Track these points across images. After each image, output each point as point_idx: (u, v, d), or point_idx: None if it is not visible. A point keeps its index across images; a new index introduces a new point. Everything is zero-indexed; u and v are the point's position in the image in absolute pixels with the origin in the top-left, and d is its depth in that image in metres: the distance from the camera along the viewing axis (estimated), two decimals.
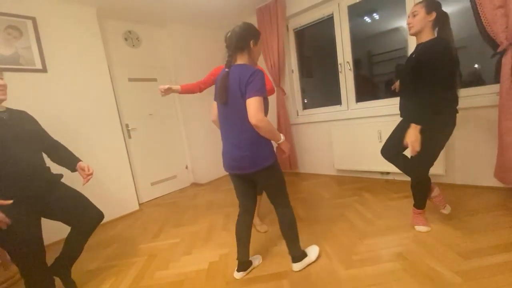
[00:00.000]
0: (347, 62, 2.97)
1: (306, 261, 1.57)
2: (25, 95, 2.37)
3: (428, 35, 1.58)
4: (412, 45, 2.50)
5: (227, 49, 1.36)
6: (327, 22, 3.11)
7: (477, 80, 2.39)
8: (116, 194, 2.97)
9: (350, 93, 3.04)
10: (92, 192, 2.74)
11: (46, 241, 2.38)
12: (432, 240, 1.63)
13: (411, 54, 1.70)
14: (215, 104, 1.68)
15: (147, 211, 3.10)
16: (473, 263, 1.37)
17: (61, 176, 1.62)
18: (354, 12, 2.91)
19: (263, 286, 1.48)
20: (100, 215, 1.68)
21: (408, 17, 1.65)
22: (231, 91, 1.29)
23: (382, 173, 2.88)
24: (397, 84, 1.97)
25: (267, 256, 1.76)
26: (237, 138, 1.36)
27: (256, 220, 2.17)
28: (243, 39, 1.34)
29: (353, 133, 2.91)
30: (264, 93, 1.26)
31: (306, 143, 3.54)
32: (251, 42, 1.36)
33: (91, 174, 1.62)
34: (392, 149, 1.86)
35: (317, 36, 3.42)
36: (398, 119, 2.60)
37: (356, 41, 2.97)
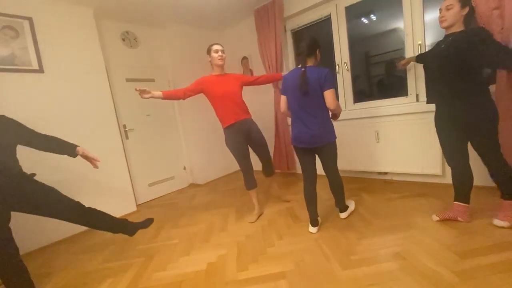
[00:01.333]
0: (345, 62, 2.98)
1: (349, 210, 2.13)
2: (22, 96, 2.36)
3: (459, 28, 1.60)
4: (409, 46, 2.52)
5: (300, 55, 1.83)
6: (325, 23, 3.12)
7: None
8: (113, 195, 2.95)
9: (347, 94, 3.05)
10: (89, 193, 2.75)
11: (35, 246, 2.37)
12: (429, 240, 1.64)
13: (439, 44, 1.71)
14: (284, 98, 1.99)
15: (145, 212, 3.08)
16: (470, 262, 1.38)
17: (33, 174, 1.66)
18: (352, 13, 2.92)
19: (261, 286, 1.48)
20: (76, 207, 1.74)
21: (440, 10, 1.64)
22: (311, 85, 1.74)
23: (380, 173, 2.89)
24: (402, 62, 2.12)
25: (265, 257, 1.76)
26: (312, 120, 1.81)
27: (255, 212, 2.42)
28: (313, 48, 1.83)
29: (351, 133, 2.92)
30: (335, 86, 1.78)
31: None
32: (317, 50, 1.87)
33: (96, 159, 1.81)
34: (456, 154, 1.77)
35: (315, 37, 3.43)
36: (396, 119, 2.63)
37: (354, 42, 2.98)
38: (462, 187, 1.78)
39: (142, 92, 2.01)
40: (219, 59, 2.25)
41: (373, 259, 1.54)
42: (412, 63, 2.39)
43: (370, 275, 1.41)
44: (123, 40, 3.33)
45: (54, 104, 2.55)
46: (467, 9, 1.56)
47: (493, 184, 2.19)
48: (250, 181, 2.39)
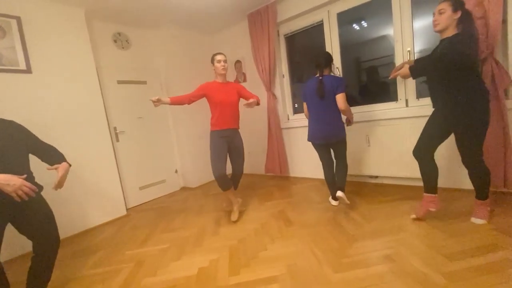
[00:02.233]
0: (337, 68, 3.03)
1: (344, 195, 2.27)
2: (8, 97, 2.29)
3: (452, 32, 1.64)
4: (398, 53, 2.59)
5: (319, 67, 2.19)
6: (317, 29, 3.17)
7: None
8: (103, 198, 2.89)
9: None
10: (78, 197, 2.69)
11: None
12: (418, 243, 1.67)
13: (436, 49, 1.76)
14: (305, 104, 2.37)
15: (135, 216, 3.03)
16: (458, 264, 1.41)
17: (41, 188, 1.56)
18: (343, 20, 2.98)
19: None
20: (58, 241, 1.59)
21: (434, 14, 1.69)
22: (327, 90, 2.12)
23: (371, 176, 2.93)
24: (397, 73, 2.05)
25: (257, 261, 1.76)
26: (327, 120, 2.19)
27: (234, 209, 2.51)
28: (329, 61, 2.22)
29: None
30: (345, 90, 2.13)
31: (296, 147, 3.56)
32: (331, 62, 2.27)
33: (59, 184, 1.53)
34: (424, 147, 1.89)
35: (308, 42, 3.48)
36: (387, 123, 2.69)
37: (345, 48, 3.03)
38: (429, 179, 1.88)
39: (156, 101, 2.14)
40: (222, 69, 2.40)
41: (364, 262, 1.56)
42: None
43: (361, 278, 1.42)
44: (115, 41, 3.29)
45: (42, 105, 2.49)
46: (459, 13, 1.61)
47: None
48: (223, 183, 2.42)
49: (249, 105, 2.31)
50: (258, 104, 2.40)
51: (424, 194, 1.91)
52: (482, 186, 1.77)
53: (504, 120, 1.97)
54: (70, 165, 1.63)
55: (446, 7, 1.62)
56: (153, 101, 2.14)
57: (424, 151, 1.89)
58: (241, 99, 2.55)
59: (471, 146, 1.69)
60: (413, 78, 1.73)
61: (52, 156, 1.63)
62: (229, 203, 2.69)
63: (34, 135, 1.62)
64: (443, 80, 1.69)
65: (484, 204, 1.80)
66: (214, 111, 2.43)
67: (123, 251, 2.17)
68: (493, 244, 1.54)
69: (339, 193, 2.22)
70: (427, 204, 1.89)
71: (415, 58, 2.11)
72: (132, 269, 1.87)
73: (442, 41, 1.71)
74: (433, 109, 1.90)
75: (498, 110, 1.99)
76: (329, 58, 2.23)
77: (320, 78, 2.16)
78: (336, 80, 2.13)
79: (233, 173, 2.64)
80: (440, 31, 1.69)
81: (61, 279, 1.86)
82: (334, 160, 2.40)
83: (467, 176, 2.27)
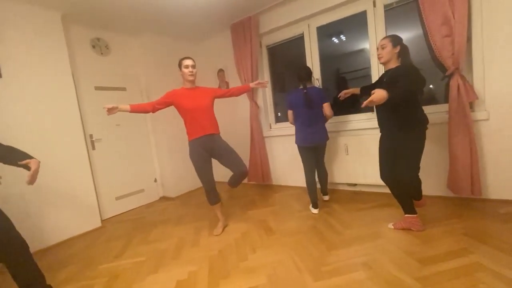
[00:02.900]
0: (317, 79, 3.12)
1: (328, 196, 2.77)
2: None
3: (394, 63, 1.84)
4: (374, 65, 2.72)
5: (302, 79, 2.44)
6: (298, 41, 3.27)
7: (430, 99, 2.64)
8: (76, 209, 2.74)
9: None
10: (49, 207, 2.53)
11: None
12: (394, 248, 1.72)
13: (382, 78, 1.95)
14: (290, 112, 2.55)
15: (110, 228, 2.89)
16: (431, 269, 1.46)
17: None
18: (323, 33, 3.10)
19: None
20: (25, 244, 1.53)
21: (378, 49, 1.88)
22: (314, 101, 2.38)
23: (349, 184, 3.00)
24: (366, 102, 2.14)
25: (237, 271, 1.72)
26: (315, 127, 2.44)
27: (219, 225, 2.42)
28: (309, 74, 2.48)
29: None
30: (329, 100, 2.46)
31: (278, 155, 3.59)
32: (312, 75, 2.54)
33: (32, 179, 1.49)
34: (387, 172, 1.97)
35: (289, 53, 3.57)
36: (364, 133, 2.79)
37: (325, 60, 3.14)
38: (403, 200, 1.93)
39: (110, 110, 2.02)
40: (189, 75, 2.21)
41: (343, 270, 1.58)
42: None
43: (341, 286, 1.44)
44: (93, 47, 3.21)
45: (12, 111, 2.35)
46: (398, 48, 1.81)
47: (448, 194, 2.38)
48: (212, 197, 2.37)
49: (258, 84, 2.50)
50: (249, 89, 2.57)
51: (405, 215, 1.95)
52: (406, 201, 1.92)
53: (470, 132, 2.10)
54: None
55: (387, 43, 1.82)
56: (108, 109, 1.99)
57: (388, 175, 1.97)
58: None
59: (409, 167, 1.86)
60: (389, 102, 1.85)
61: (18, 155, 1.55)
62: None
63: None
64: (386, 108, 1.81)
65: (413, 218, 1.91)
66: (185, 119, 2.27)
67: (96, 265, 2.05)
68: (463, 248, 1.62)
69: (325, 198, 2.73)
70: (409, 224, 1.93)
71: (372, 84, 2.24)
72: (105, 284, 1.77)
73: (386, 71, 1.90)
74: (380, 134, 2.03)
75: (464, 122, 2.12)
76: (309, 72, 2.48)
77: (305, 90, 2.37)
78: (320, 91, 2.44)
79: (234, 173, 2.35)
80: (384, 63, 1.88)
81: None
82: (316, 168, 2.61)
83: (437, 184, 2.40)
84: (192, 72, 2.22)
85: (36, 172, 1.50)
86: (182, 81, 2.31)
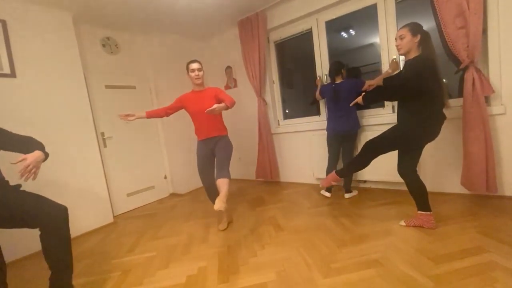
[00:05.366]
0: (325, 74, 3.08)
1: (352, 194, 2.74)
2: None
3: (415, 53, 1.75)
4: (384, 60, 2.66)
5: (331, 74, 2.64)
6: (306, 36, 3.23)
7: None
8: (89, 206, 2.81)
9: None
10: (63, 203, 2.59)
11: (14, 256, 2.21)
12: (406, 246, 1.69)
13: (401, 70, 1.90)
14: (319, 92, 2.81)
15: (122, 223, 2.95)
16: (444, 267, 1.43)
17: (18, 185, 1.51)
18: (332, 28, 3.05)
19: None
20: (64, 210, 1.50)
21: (396, 39, 1.80)
22: (342, 95, 2.55)
23: (359, 181, 2.97)
24: (372, 82, 2.37)
25: (246, 267, 1.73)
26: (345, 116, 2.59)
27: (224, 220, 2.45)
28: (338, 68, 2.59)
29: None
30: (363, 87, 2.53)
31: (286, 152, 3.58)
32: (342, 69, 2.60)
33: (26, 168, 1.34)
34: (405, 163, 1.93)
35: (297, 49, 3.53)
36: (374, 129, 2.74)
37: (334, 55, 3.10)
38: (418, 196, 1.88)
39: (125, 116, 2.18)
40: (196, 79, 2.26)
41: (353, 267, 1.56)
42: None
43: (350, 283, 1.42)
44: (104, 46, 3.26)
45: (26, 110, 2.42)
46: (418, 37, 1.72)
47: (462, 191, 2.33)
48: (211, 195, 2.44)
49: (211, 111, 1.94)
50: (226, 108, 2.07)
51: (418, 212, 1.91)
52: (420, 197, 1.88)
53: (486, 126, 2.04)
54: (47, 155, 1.51)
55: (405, 33, 1.74)
56: (123, 116, 2.13)
57: (398, 169, 1.94)
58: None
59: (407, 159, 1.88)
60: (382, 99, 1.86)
61: (28, 147, 1.48)
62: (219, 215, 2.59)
63: (5, 130, 1.53)
64: (403, 101, 1.81)
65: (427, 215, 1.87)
66: (193, 121, 2.36)
67: (109, 260, 2.11)
68: (477, 246, 1.58)
69: (347, 195, 2.70)
70: (420, 221, 1.89)
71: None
72: (118, 279, 1.82)
73: (406, 62, 1.81)
74: None
75: (479, 117, 2.06)
76: (338, 67, 2.59)
77: (333, 85, 2.59)
78: (349, 83, 2.56)
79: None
80: (404, 54, 1.81)
81: None
82: (343, 159, 2.73)
83: (451, 181, 2.34)
84: (198, 75, 2.25)
85: (29, 165, 1.34)
86: (192, 85, 2.38)
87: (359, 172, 2.86)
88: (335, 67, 2.59)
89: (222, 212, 2.37)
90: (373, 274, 1.46)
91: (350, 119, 2.58)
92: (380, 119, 2.66)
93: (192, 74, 2.25)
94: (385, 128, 2.57)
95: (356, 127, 2.62)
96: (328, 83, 2.71)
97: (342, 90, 2.55)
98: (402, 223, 1.97)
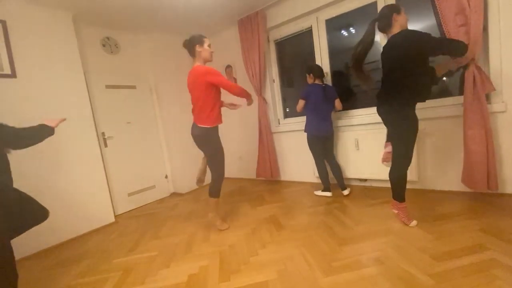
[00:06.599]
0: (326, 73, 3.08)
1: (349, 190, 2.77)
2: None
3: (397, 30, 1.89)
4: None
5: (319, 77, 2.70)
6: (307, 35, 3.22)
7: (444, 91, 2.56)
8: (90, 205, 2.82)
9: None
10: (63, 204, 2.61)
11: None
12: (406, 244, 1.69)
13: (386, 46, 2.03)
14: (302, 102, 2.73)
15: (123, 223, 2.96)
16: (445, 265, 1.43)
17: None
18: (332, 26, 3.04)
19: None
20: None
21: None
22: (329, 97, 2.66)
23: (360, 180, 2.97)
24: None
25: (247, 266, 1.74)
26: (328, 119, 2.71)
27: (217, 221, 2.39)
28: (323, 73, 2.78)
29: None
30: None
31: (287, 151, 3.58)
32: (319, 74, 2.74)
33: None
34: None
35: (297, 47, 3.52)
36: (374, 127, 2.73)
37: (334, 53, 3.09)
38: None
39: (232, 106, 2.44)
40: (211, 55, 2.23)
41: (354, 265, 1.56)
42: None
43: (351, 281, 1.43)
44: (104, 46, 3.26)
45: (27, 110, 2.42)
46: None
47: (463, 189, 2.32)
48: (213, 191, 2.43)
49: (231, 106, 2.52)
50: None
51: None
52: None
53: (486, 124, 2.03)
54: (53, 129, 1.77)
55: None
56: (230, 107, 2.40)
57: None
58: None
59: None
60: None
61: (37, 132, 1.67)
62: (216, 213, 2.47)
63: (10, 126, 1.55)
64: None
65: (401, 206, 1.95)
66: (217, 99, 2.31)
67: (110, 260, 2.11)
68: (478, 244, 1.58)
69: (345, 192, 2.72)
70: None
71: None
72: (120, 278, 1.82)
73: (392, 36, 1.89)
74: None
75: (480, 115, 2.05)
76: (321, 70, 2.76)
77: (323, 86, 2.67)
78: (333, 88, 2.76)
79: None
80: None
81: None
82: (326, 158, 2.79)
83: (452, 179, 2.34)
84: (212, 53, 2.24)
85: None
86: (198, 59, 2.22)
87: (359, 170, 2.87)
88: (320, 70, 2.72)
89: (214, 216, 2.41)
90: (374, 272, 1.47)
91: (329, 121, 2.73)
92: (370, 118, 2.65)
93: (209, 50, 2.19)
94: (384, 126, 2.59)
95: (332, 128, 2.77)
96: (316, 83, 2.69)
97: (329, 92, 2.67)
98: (414, 223, 1.92)
